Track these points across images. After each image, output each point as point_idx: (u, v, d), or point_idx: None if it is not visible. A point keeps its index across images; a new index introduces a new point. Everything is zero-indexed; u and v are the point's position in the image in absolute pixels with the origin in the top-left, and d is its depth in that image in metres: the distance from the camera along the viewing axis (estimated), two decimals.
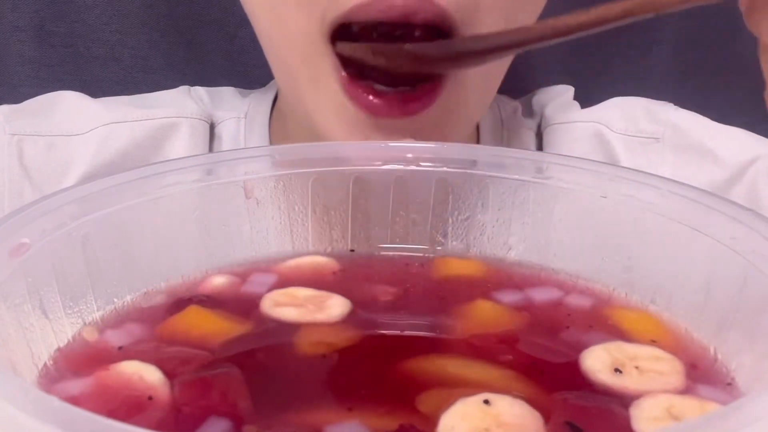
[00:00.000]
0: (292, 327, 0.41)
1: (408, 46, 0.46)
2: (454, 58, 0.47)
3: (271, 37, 0.57)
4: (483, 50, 0.46)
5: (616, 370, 0.36)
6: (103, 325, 0.41)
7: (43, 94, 0.70)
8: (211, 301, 0.43)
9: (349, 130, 0.54)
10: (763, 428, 0.25)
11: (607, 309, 0.43)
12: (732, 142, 0.68)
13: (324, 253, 0.49)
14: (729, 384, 0.37)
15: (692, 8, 0.80)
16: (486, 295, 0.44)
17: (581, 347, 0.38)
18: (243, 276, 0.46)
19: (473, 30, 0.52)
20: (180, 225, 0.47)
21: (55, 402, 0.26)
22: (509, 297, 0.44)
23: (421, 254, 0.50)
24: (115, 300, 0.43)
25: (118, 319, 0.42)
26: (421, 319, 0.43)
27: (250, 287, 0.45)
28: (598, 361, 0.37)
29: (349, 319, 0.42)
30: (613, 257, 0.46)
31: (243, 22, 0.62)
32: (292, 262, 0.48)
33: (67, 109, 0.68)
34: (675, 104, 0.71)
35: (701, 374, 0.38)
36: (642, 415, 0.33)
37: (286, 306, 0.42)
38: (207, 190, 0.47)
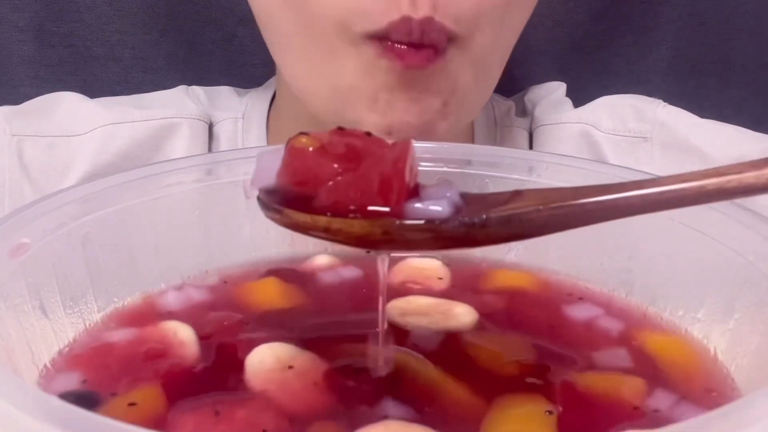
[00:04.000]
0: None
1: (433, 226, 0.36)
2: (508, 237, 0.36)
3: (291, 32, 0.57)
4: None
5: None
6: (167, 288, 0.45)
7: (43, 95, 0.70)
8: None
9: (375, 89, 0.55)
10: (763, 428, 0.25)
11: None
12: (719, 139, 0.68)
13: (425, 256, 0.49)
14: (729, 383, 0.37)
15: (692, 8, 0.81)
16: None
17: None
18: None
19: (473, 35, 0.54)
20: (180, 225, 0.47)
21: (55, 402, 0.26)
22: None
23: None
24: (116, 300, 0.43)
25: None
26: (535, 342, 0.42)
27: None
28: None
29: (483, 328, 0.41)
30: (613, 257, 0.46)
31: (243, 22, 0.62)
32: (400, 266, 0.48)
33: (67, 109, 0.68)
34: (674, 104, 0.71)
35: (702, 374, 0.38)
36: None
37: (414, 315, 0.42)
38: (207, 190, 0.47)
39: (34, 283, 0.38)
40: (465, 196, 0.34)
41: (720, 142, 0.68)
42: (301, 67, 0.59)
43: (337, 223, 0.32)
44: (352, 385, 0.36)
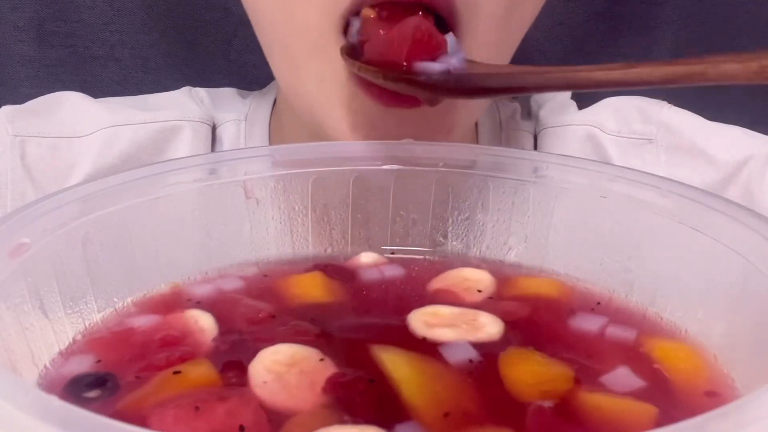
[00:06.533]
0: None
1: (422, 78, 0.47)
2: (466, 91, 0.50)
3: (278, 30, 0.56)
4: (495, 88, 0.49)
5: None
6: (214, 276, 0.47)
7: (44, 95, 0.70)
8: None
9: (356, 120, 0.52)
10: (763, 428, 0.25)
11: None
12: (725, 141, 0.68)
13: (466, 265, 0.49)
14: (729, 383, 0.37)
15: (692, 8, 0.81)
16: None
17: None
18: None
19: (470, 18, 0.51)
20: (180, 225, 0.47)
21: (55, 402, 0.26)
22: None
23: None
24: (116, 300, 0.43)
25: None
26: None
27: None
28: None
29: (509, 339, 0.40)
30: (613, 257, 0.46)
31: (242, 22, 0.62)
32: (447, 274, 0.47)
33: (70, 110, 0.68)
34: (675, 104, 0.71)
35: (703, 377, 0.38)
36: None
37: (438, 327, 0.41)
38: (207, 190, 0.47)
39: (34, 283, 0.38)
40: (469, 63, 0.47)
41: (725, 144, 0.68)
42: (286, 68, 0.58)
43: (363, 68, 0.47)
44: (348, 394, 0.35)
